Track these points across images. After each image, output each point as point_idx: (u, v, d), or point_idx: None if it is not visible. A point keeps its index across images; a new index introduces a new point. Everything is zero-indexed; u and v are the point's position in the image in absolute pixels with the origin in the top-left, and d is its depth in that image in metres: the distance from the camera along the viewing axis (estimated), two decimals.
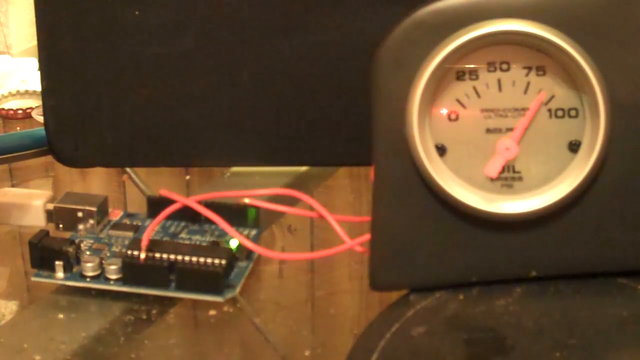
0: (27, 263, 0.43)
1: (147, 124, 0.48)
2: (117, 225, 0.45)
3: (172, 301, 0.41)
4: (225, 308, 0.41)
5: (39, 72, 0.48)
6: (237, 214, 0.45)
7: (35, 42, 0.49)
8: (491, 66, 0.37)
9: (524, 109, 0.37)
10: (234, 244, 0.43)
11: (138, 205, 0.49)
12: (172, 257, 0.41)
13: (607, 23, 0.36)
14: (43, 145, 0.52)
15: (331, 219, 0.42)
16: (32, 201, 0.46)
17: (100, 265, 0.42)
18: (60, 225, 0.45)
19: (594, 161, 0.37)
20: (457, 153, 0.38)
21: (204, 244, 0.44)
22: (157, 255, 0.41)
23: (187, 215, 0.45)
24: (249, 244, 0.42)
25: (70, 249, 0.42)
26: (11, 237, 0.48)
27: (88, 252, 0.43)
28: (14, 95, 0.65)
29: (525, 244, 0.38)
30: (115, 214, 0.47)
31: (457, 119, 0.38)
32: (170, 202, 0.44)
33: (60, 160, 0.50)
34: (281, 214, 0.48)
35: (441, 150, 0.38)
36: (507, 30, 0.36)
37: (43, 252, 0.42)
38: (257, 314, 0.42)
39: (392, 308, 0.39)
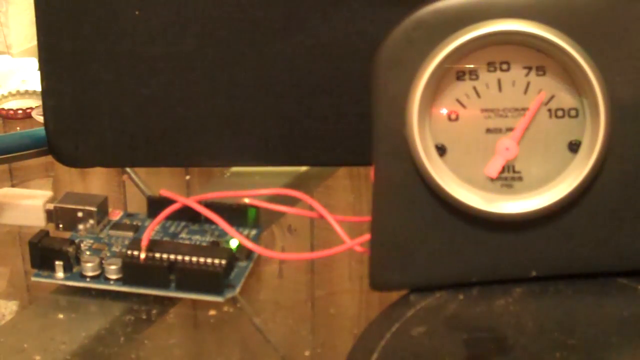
0: (27, 263, 0.43)
1: (147, 124, 0.48)
2: (117, 225, 0.45)
3: (172, 301, 0.41)
4: (225, 308, 0.41)
5: (39, 72, 0.48)
6: (237, 214, 0.45)
7: (35, 42, 0.49)
8: (491, 66, 0.37)
9: (524, 109, 0.37)
10: (234, 244, 0.43)
11: (138, 205, 0.49)
12: (172, 257, 0.41)
13: (607, 23, 0.36)
14: (43, 145, 0.52)
15: (331, 219, 0.42)
16: (32, 201, 0.46)
17: (100, 265, 0.42)
18: (60, 225, 0.45)
19: (594, 161, 0.37)
20: (457, 153, 0.38)
21: (204, 244, 0.44)
22: (157, 255, 0.41)
23: (187, 215, 0.45)
24: (249, 244, 0.42)
25: (70, 249, 0.42)
26: (11, 237, 0.48)
27: (88, 252, 0.43)
28: (14, 95, 0.65)
29: (525, 244, 0.38)
30: (115, 214, 0.47)
31: (457, 119, 0.38)
32: (170, 202, 0.44)
33: (60, 160, 0.50)
34: (281, 214, 0.48)
35: (441, 150, 0.38)
36: (507, 30, 0.36)
37: (43, 252, 0.42)
38: (257, 314, 0.42)
39: (392, 308, 0.39)
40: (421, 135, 0.37)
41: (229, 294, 0.41)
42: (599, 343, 0.36)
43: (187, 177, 0.54)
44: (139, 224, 0.46)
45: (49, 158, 0.51)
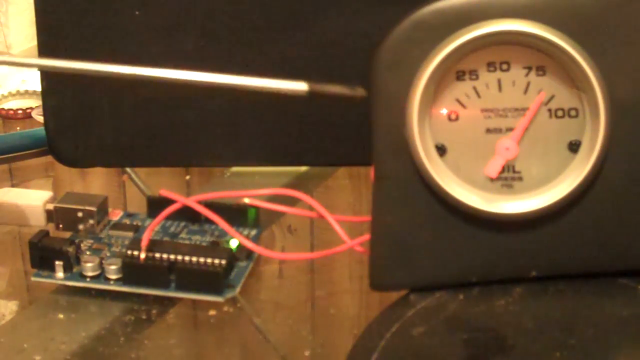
0: (27, 263, 0.43)
1: (147, 124, 0.48)
2: (117, 225, 0.45)
3: (172, 301, 0.41)
4: (225, 308, 0.41)
5: (39, 72, 0.48)
6: (237, 214, 0.45)
7: (35, 42, 0.49)
8: (491, 66, 0.37)
9: (524, 109, 0.37)
10: (234, 244, 0.43)
11: (138, 205, 0.49)
12: (172, 257, 0.41)
13: (607, 23, 0.36)
14: (43, 145, 0.52)
15: (331, 219, 0.42)
16: (32, 201, 0.46)
17: (100, 265, 0.42)
18: (60, 225, 0.45)
19: (594, 161, 0.37)
20: (457, 153, 0.38)
21: (204, 244, 0.44)
22: (157, 255, 0.41)
23: (187, 215, 0.45)
24: (249, 244, 0.42)
25: (70, 249, 0.42)
26: (11, 237, 0.48)
27: (88, 252, 0.43)
28: (14, 95, 0.65)
29: (525, 244, 0.38)
30: (115, 214, 0.47)
31: (457, 119, 0.38)
32: (170, 202, 0.44)
33: (60, 160, 0.50)
34: (281, 214, 0.48)
35: (441, 150, 0.38)
36: (507, 30, 0.36)
37: (43, 252, 0.42)
38: (257, 314, 0.42)
39: (392, 308, 0.39)
40: (421, 135, 0.37)
41: (229, 294, 0.41)
42: (599, 343, 0.36)
43: (187, 177, 0.54)
44: (139, 224, 0.46)
45: (49, 158, 0.51)
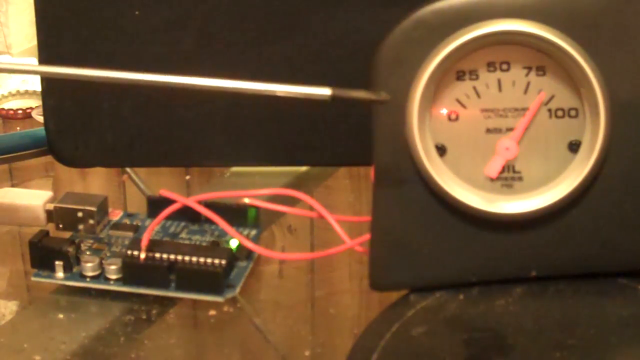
0: (27, 263, 0.43)
1: (147, 124, 0.48)
2: (117, 225, 0.45)
3: (172, 301, 0.41)
4: (225, 308, 0.41)
5: None
6: (237, 214, 0.45)
7: (35, 42, 0.48)
8: (491, 66, 0.37)
9: (524, 109, 0.37)
10: (234, 244, 0.43)
11: (138, 205, 0.49)
12: (172, 257, 0.41)
13: (607, 23, 0.36)
14: (43, 145, 0.52)
15: (331, 219, 0.42)
16: (32, 201, 0.46)
17: (100, 265, 0.42)
18: (60, 225, 0.45)
19: (594, 161, 0.37)
20: (457, 153, 0.38)
21: (204, 244, 0.44)
22: (157, 255, 0.41)
23: (187, 215, 0.45)
24: (249, 244, 0.42)
25: (70, 249, 0.42)
26: (11, 237, 0.48)
27: (88, 252, 0.43)
28: (14, 95, 0.65)
29: (525, 244, 0.38)
30: (115, 214, 0.47)
31: (457, 119, 0.38)
32: (170, 202, 0.44)
33: (60, 160, 0.50)
34: (281, 214, 0.48)
35: (441, 150, 0.38)
36: (507, 30, 0.36)
37: (43, 252, 0.42)
38: (257, 314, 0.42)
39: (392, 308, 0.39)
40: (421, 135, 0.37)
41: (229, 294, 0.41)
42: (599, 343, 0.36)
43: (187, 177, 0.54)
44: (139, 224, 0.46)
45: (49, 158, 0.51)
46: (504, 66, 0.37)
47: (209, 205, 0.44)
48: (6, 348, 0.39)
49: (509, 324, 0.37)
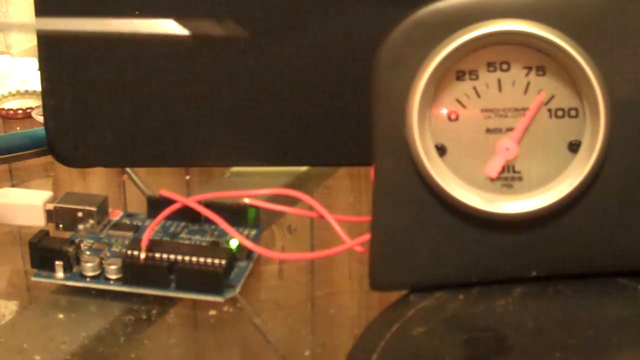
0: (27, 263, 0.43)
1: (147, 124, 0.48)
2: (117, 225, 0.45)
3: (172, 301, 0.41)
4: (225, 308, 0.41)
5: (39, 72, 0.48)
6: (237, 214, 0.45)
7: (35, 42, 0.49)
8: (491, 66, 0.37)
9: (524, 109, 0.37)
10: (234, 244, 0.43)
11: (138, 205, 0.49)
12: (172, 257, 0.41)
13: (607, 23, 0.36)
14: (43, 145, 0.52)
15: (331, 219, 0.42)
16: (32, 201, 0.46)
17: (100, 265, 0.42)
18: (60, 225, 0.45)
19: (594, 161, 0.37)
20: (457, 153, 0.38)
21: (204, 244, 0.44)
22: (157, 255, 0.41)
23: (187, 215, 0.45)
24: (249, 244, 0.42)
25: (70, 249, 0.42)
26: (11, 237, 0.48)
27: (88, 252, 0.43)
28: (14, 95, 0.65)
29: (525, 244, 0.38)
30: (115, 214, 0.47)
31: (457, 119, 0.38)
32: (170, 202, 0.44)
33: (60, 160, 0.50)
34: (281, 214, 0.48)
35: (441, 150, 0.38)
36: (507, 30, 0.36)
37: (43, 252, 0.42)
38: (257, 314, 0.42)
39: (392, 308, 0.39)
40: (421, 135, 0.37)
41: (229, 294, 0.41)
42: (599, 343, 0.36)
43: (187, 177, 0.54)
44: (139, 224, 0.46)
45: (49, 158, 0.51)
46: (504, 66, 0.37)
47: (209, 205, 0.44)
48: (6, 348, 0.39)
49: (509, 324, 0.37)
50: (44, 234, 0.43)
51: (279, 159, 0.49)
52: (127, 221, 0.46)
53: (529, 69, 0.37)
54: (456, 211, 0.38)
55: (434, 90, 0.37)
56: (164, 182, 0.53)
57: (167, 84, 0.48)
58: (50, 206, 0.45)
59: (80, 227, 0.45)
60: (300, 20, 0.46)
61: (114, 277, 0.42)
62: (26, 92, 0.65)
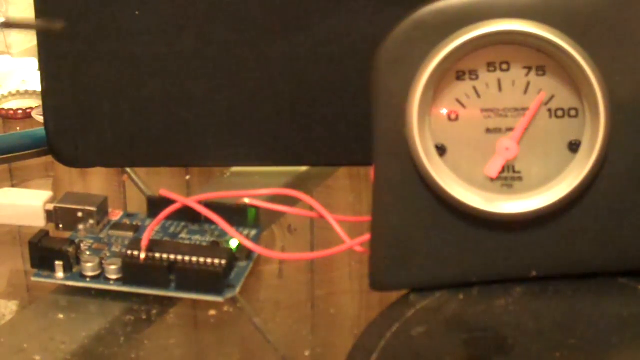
0: (27, 263, 0.43)
1: (147, 124, 0.48)
2: (117, 225, 0.45)
3: (172, 301, 0.41)
4: (225, 308, 0.41)
5: (39, 72, 0.48)
6: (237, 214, 0.45)
7: (35, 42, 0.49)
8: (491, 66, 0.37)
9: (524, 109, 0.37)
10: (234, 244, 0.43)
11: (138, 205, 0.49)
12: (172, 257, 0.41)
13: (607, 23, 0.36)
14: (43, 145, 0.52)
15: (331, 219, 0.42)
16: (32, 201, 0.46)
17: (100, 265, 0.42)
18: (60, 225, 0.45)
19: (594, 161, 0.37)
20: (457, 153, 0.38)
21: (204, 244, 0.44)
22: (157, 255, 0.41)
23: (187, 215, 0.45)
24: (249, 244, 0.42)
25: (70, 249, 0.42)
26: (11, 237, 0.48)
27: (88, 252, 0.43)
28: (14, 95, 0.65)
29: (525, 244, 0.38)
30: (115, 214, 0.47)
31: (457, 119, 0.38)
32: (170, 202, 0.44)
33: (60, 160, 0.50)
34: (281, 214, 0.48)
35: (441, 150, 0.38)
36: (507, 30, 0.36)
37: (43, 252, 0.42)
38: (257, 314, 0.42)
39: (392, 308, 0.39)
40: (421, 135, 0.37)
41: (229, 294, 0.41)
42: (599, 343, 0.36)
43: (187, 177, 0.54)
44: (139, 224, 0.46)
45: (49, 158, 0.51)
46: (504, 66, 0.37)
47: (209, 205, 0.44)
48: (6, 348, 0.39)
49: (509, 324, 0.37)
50: (44, 234, 0.43)
51: (279, 159, 0.49)
52: (127, 221, 0.46)
53: (529, 69, 0.37)
54: (456, 211, 0.38)
55: (434, 90, 0.37)
56: (164, 182, 0.53)
57: (167, 84, 0.48)
58: (50, 206, 0.45)
59: (80, 227, 0.45)
60: (300, 20, 0.46)
61: (114, 277, 0.42)
62: (26, 92, 0.65)
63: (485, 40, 0.36)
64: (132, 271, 0.41)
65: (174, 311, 0.41)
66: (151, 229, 0.42)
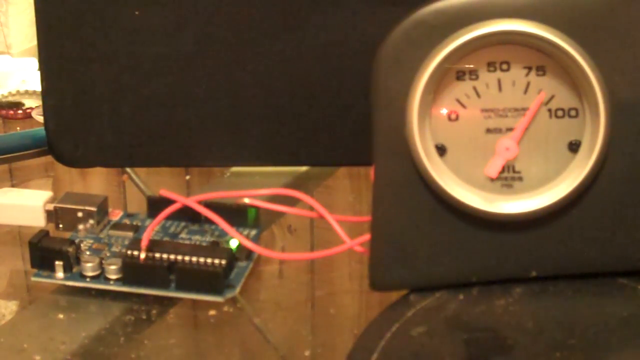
0: (27, 263, 0.43)
1: (147, 124, 0.48)
2: (117, 225, 0.45)
3: (172, 301, 0.41)
4: (225, 308, 0.41)
5: (39, 72, 0.48)
6: (237, 214, 0.45)
7: (35, 42, 0.49)
8: (491, 66, 0.37)
9: (524, 109, 0.37)
10: (234, 244, 0.43)
11: (138, 205, 0.49)
12: (172, 257, 0.41)
13: (607, 23, 0.36)
14: (43, 145, 0.52)
15: (331, 219, 0.42)
16: (32, 201, 0.46)
17: (100, 265, 0.42)
18: (60, 225, 0.45)
19: (594, 161, 0.37)
20: (457, 153, 0.38)
21: (204, 244, 0.44)
22: (157, 255, 0.41)
23: (187, 215, 0.45)
24: (249, 244, 0.42)
25: (70, 249, 0.42)
26: (11, 237, 0.48)
27: (88, 252, 0.43)
28: (14, 95, 0.65)
29: (525, 244, 0.38)
30: (115, 214, 0.47)
31: (457, 119, 0.38)
32: (170, 202, 0.44)
33: (60, 160, 0.50)
34: (281, 214, 0.48)
35: (441, 150, 0.38)
36: (507, 30, 0.36)
37: (43, 252, 0.42)
38: (257, 314, 0.42)
39: (392, 308, 0.39)
40: (421, 135, 0.37)
41: (229, 294, 0.41)
42: (599, 343, 0.36)
43: (187, 177, 0.54)
44: (139, 224, 0.46)
45: (49, 158, 0.51)
46: (504, 66, 0.37)
47: (209, 205, 0.44)
48: (6, 348, 0.39)
49: (509, 324, 0.37)
50: (44, 234, 0.43)
51: (279, 159, 0.49)
52: (127, 221, 0.46)
53: (529, 69, 0.37)
54: (456, 211, 0.38)
55: (434, 90, 0.37)
56: (164, 182, 0.53)
57: (167, 84, 0.48)
58: (50, 206, 0.45)
59: (80, 227, 0.45)
60: (300, 20, 0.46)
61: (114, 277, 0.42)
62: (26, 92, 0.65)
63: (485, 40, 0.36)
64: (132, 271, 0.41)
65: (174, 311, 0.41)
66: (151, 229, 0.42)
